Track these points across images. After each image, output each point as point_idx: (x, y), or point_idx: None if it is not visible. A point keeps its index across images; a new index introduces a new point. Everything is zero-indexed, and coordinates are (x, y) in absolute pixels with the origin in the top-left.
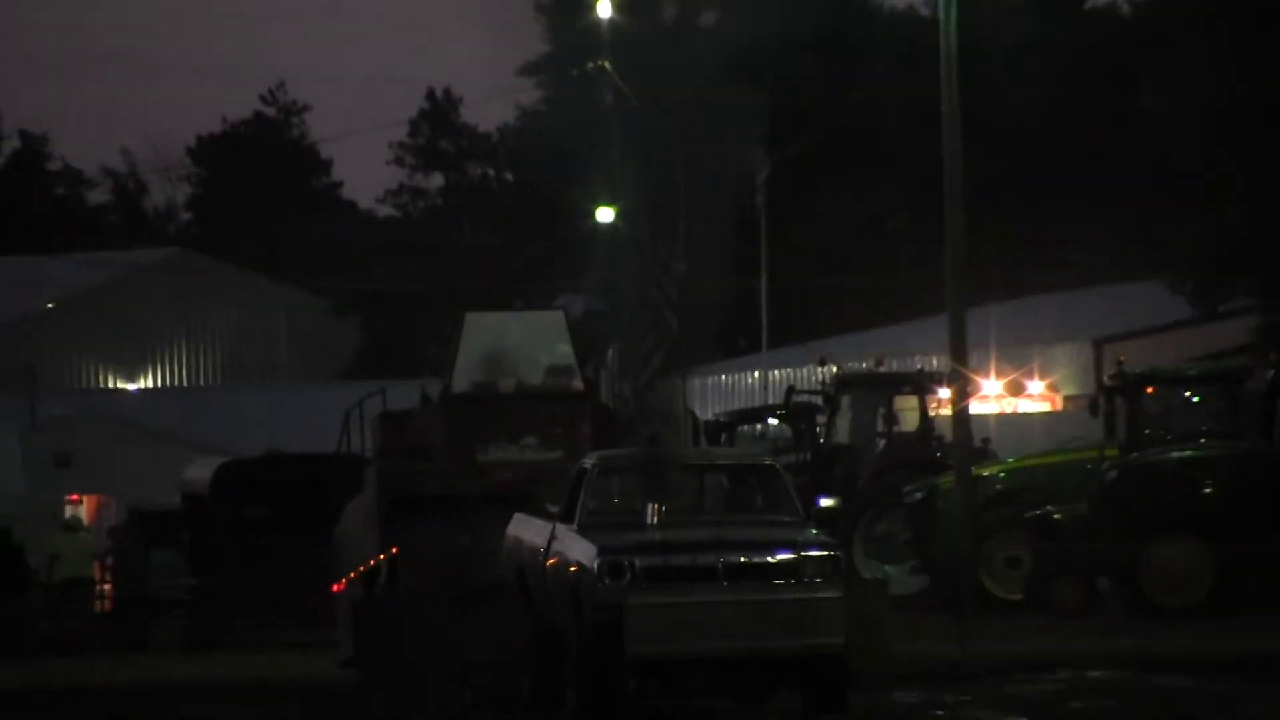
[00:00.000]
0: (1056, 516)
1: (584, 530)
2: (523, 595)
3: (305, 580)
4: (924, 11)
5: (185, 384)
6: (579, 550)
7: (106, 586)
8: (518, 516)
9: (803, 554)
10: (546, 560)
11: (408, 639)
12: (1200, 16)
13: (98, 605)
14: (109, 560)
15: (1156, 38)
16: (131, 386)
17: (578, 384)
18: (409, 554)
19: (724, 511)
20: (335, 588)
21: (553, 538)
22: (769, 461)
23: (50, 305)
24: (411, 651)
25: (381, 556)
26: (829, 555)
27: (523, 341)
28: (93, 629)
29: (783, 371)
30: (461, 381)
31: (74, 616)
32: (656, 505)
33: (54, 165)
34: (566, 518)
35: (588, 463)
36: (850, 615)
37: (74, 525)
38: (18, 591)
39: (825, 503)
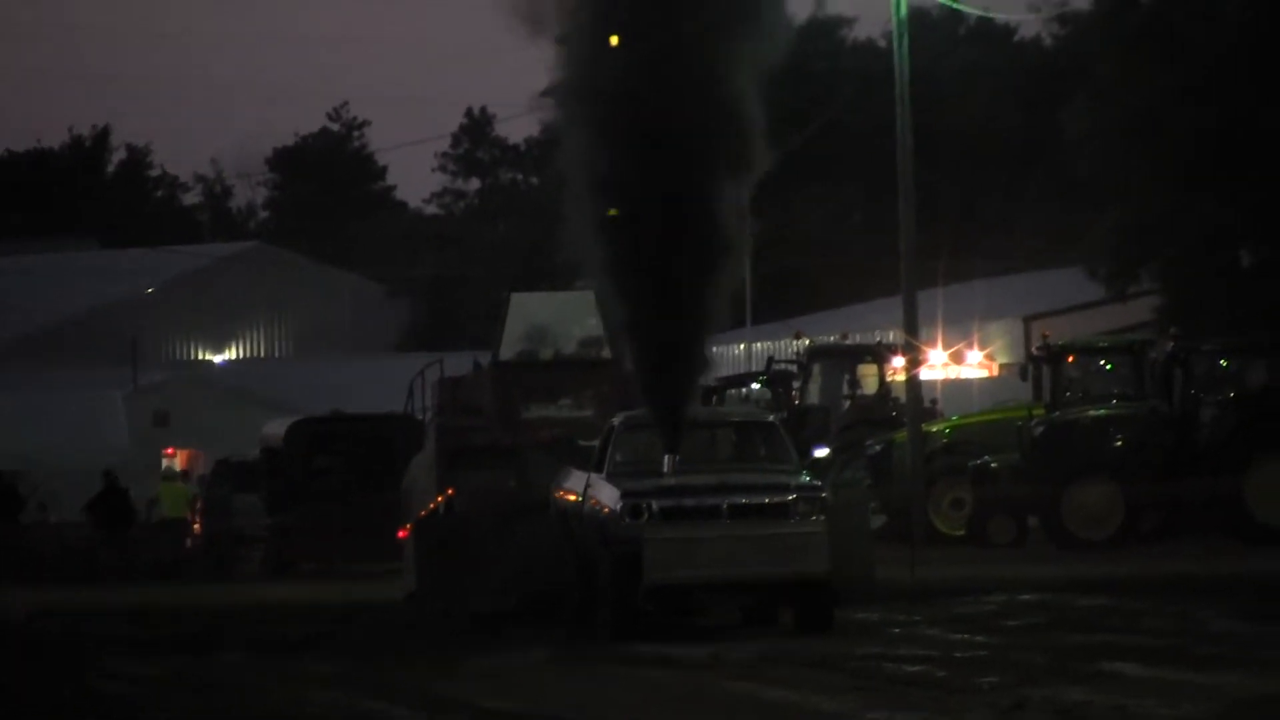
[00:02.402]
0: (993, 465)
1: (611, 478)
2: (565, 533)
3: (364, 519)
4: (882, 43)
5: (263, 355)
6: (607, 495)
7: (197, 525)
8: (562, 469)
9: (793, 496)
10: (582, 503)
11: (462, 552)
12: (1110, 47)
13: (190, 541)
14: (199, 504)
15: (1074, 65)
16: (218, 358)
17: (606, 353)
18: (463, 494)
19: (732, 460)
20: (401, 533)
21: (588, 484)
22: (771, 419)
23: (151, 290)
24: (465, 563)
25: (440, 499)
26: (816, 497)
27: (559, 317)
28: (187, 560)
29: (763, 344)
30: (507, 351)
31: (172, 549)
32: (672, 456)
33: (155, 172)
34: (598, 467)
35: (615, 421)
36: (841, 544)
37: (171, 475)
38: (125, 528)
39: (819, 453)
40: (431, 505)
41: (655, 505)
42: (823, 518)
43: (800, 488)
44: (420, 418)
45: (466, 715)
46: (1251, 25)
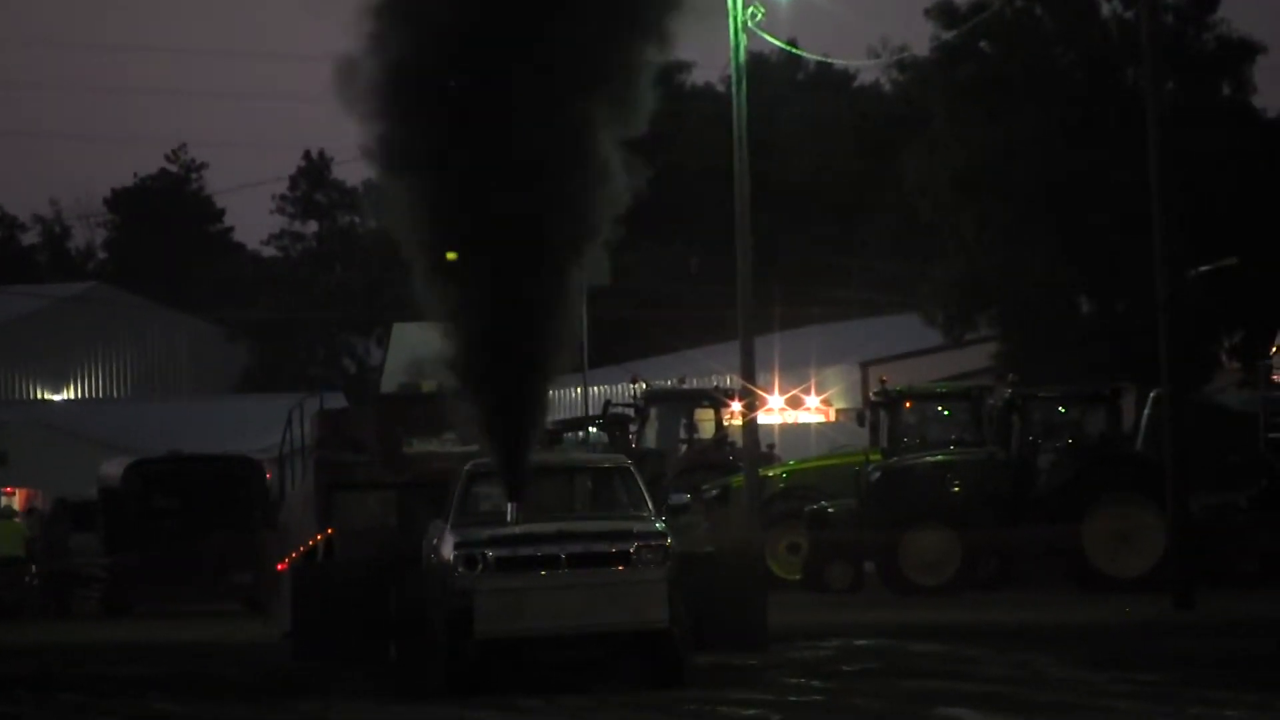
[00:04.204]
0: (830, 510)
1: (455, 528)
2: (429, 583)
3: (202, 560)
4: (720, 88)
5: (101, 396)
6: (446, 545)
7: (34, 566)
8: (434, 522)
9: (635, 544)
10: (432, 553)
11: (340, 600)
12: (946, 97)
13: (28, 580)
14: (36, 543)
15: (913, 112)
16: (57, 397)
17: None
18: (343, 533)
19: (586, 506)
20: (280, 567)
21: (438, 536)
22: (627, 464)
23: None
24: (342, 611)
25: (319, 537)
26: (660, 545)
27: (443, 348)
28: (24, 599)
29: (600, 388)
30: (390, 383)
31: (8, 589)
32: (515, 504)
33: None
34: (445, 516)
35: (464, 468)
36: (731, 593)
37: (7, 513)
38: None
39: (675, 499)
40: (310, 543)
41: (491, 555)
42: (666, 566)
43: (643, 535)
44: (257, 457)
45: None
46: (1082, 81)
